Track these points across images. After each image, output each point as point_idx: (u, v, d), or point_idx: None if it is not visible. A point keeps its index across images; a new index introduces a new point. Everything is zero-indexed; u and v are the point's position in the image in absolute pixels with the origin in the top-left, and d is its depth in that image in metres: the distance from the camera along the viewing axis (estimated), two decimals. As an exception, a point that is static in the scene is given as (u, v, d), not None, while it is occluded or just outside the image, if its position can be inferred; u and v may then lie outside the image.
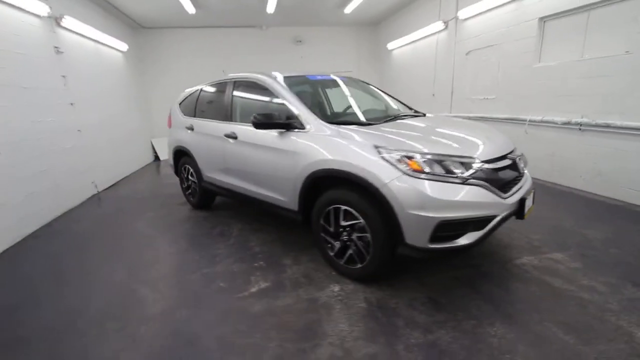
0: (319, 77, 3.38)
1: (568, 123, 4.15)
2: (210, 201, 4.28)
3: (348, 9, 7.36)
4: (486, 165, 2.10)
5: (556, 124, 4.31)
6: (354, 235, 2.29)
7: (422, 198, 1.92)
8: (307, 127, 2.56)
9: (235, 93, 3.40)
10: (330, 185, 2.46)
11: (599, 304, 2.08)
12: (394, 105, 3.46)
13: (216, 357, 1.80)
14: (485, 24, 5.38)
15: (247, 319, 2.10)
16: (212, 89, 3.87)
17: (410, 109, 3.48)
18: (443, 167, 2.00)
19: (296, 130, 2.62)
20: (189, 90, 4.34)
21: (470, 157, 2.07)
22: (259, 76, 3.11)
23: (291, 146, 2.61)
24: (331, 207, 2.40)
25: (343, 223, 2.34)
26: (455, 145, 2.17)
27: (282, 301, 2.26)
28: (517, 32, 4.80)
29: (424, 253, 2.03)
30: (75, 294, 2.50)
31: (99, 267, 2.89)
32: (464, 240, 2.00)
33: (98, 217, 4.29)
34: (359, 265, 2.34)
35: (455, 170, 2.01)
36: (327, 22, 8.75)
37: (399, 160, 2.02)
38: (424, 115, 3.22)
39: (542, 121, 4.50)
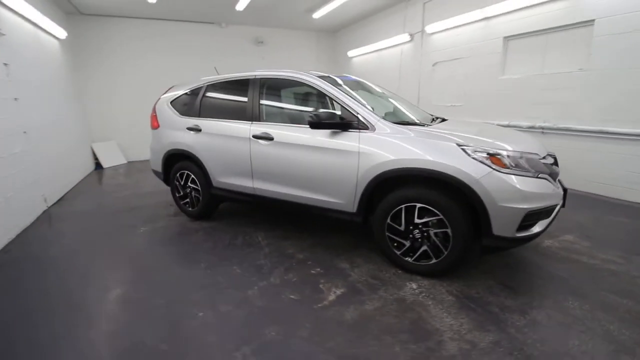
0: (345, 78, 3.37)
1: (532, 127, 4.90)
2: (214, 210, 3.88)
3: (317, 15, 7.45)
4: (544, 161, 2.38)
5: (522, 127, 5.05)
6: (431, 231, 2.36)
7: (514, 191, 2.10)
8: (371, 127, 2.55)
9: (265, 92, 3.17)
10: (394, 186, 2.49)
11: (625, 271, 2.53)
12: (415, 107, 3.63)
13: (349, 371, 1.67)
14: (453, 39, 6.02)
15: (349, 328, 1.99)
16: (224, 87, 3.53)
17: (425, 112, 3.71)
18: (515, 163, 2.21)
19: (356, 130, 2.58)
20: (182, 88, 3.87)
21: (536, 154, 2.32)
22: (301, 75, 2.96)
23: (353, 147, 2.55)
24: (402, 206, 2.42)
25: (417, 221, 2.39)
26: (518, 144, 2.41)
27: (370, 305, 2.20)
28: (484, 47, 5.50)
29: (510, 242, 2.20)
30: (129, 336, 2.03)
31: (127, 300, 2.38)
32: (537, 228, 2.24)
33: (73, 237, 3.51)
34: (433, 261, 2.41)
35: (528, 166, 2.23)
36: (289, 25, 8.70)
37: (486, 158, 2.16)
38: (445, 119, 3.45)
39: (508, 125, 5.22)
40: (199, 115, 3.59)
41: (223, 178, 3.41)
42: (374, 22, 8.00)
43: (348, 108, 2.65)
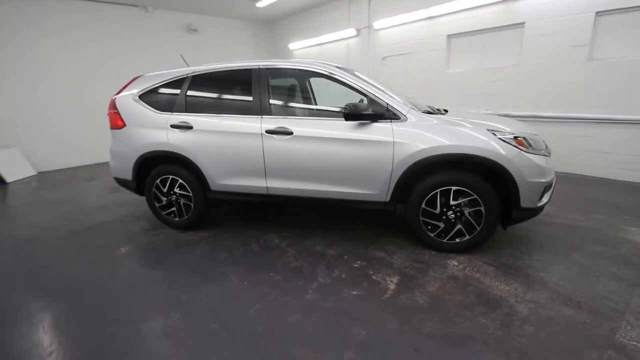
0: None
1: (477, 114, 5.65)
2: (207, 217, 3.45)
3: (262, 3, 7.11)
4: (541, 141, 2.81)
5: (468, 115, 5.77)
6: (466, 211, 2.57)
7: (538, 168, 2.44)
8: (403, 116, 2.61)
9: (274, 83, 2.94)
10: (426, 172, 2.60)
11: (592, 226, 3.17)
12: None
13: (459, 349, 1.74)
14: (400, 35, 6.48)
15: (429, 311, 2.05)
16: (217, 79, 3.14)
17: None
18: (532, 144, 2.56)
19: (388, 120, 2.62)
20: (153, 79, 3.30)
21: (538, 135, 2.72)
22: (318, 67, 2.83)
23: (387, 137, 2.58)
24: (437, 190, 2.57)
25: (453, 202, 2.57)
26: (520, 128, 2.77)
27: (431, 287, 2.30)
28: (430, 44, 6.07)
29: (533, 212, 2.54)
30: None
31: (174, 334, 1.99)
32: (545, 199, 2.64)
33: (34, 272, 2.71)
34: (466, 238, 2.64)
35: (536, 146, 2.60)
36: (225, 12, 8.11)
37: (513, 140, 2.45)
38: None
39: (456, 114, 5.91)
40: (186, 110, 3.13)
41: (225, 180, 3.07)
42: (317, 15, 8.03)
43: (377, 99, 2.66)
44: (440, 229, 2.67)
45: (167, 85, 3.25)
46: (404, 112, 2.62)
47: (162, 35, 7.55)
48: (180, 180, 3.21)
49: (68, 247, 3.14)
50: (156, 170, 3.27)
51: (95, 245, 3.14)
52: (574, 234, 3.04)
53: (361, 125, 2.66)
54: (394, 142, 2.58)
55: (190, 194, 3.21)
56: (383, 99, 2.66)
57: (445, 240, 2.69)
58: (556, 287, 2.24)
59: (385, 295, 2.23)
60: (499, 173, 2.45)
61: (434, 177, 2.58)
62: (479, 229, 2.59)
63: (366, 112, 2.57)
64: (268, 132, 2.84)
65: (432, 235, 2.70)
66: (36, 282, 2.57)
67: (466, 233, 2.63)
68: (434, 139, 2.50)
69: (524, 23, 4.91)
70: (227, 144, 2.97)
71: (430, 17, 5.93)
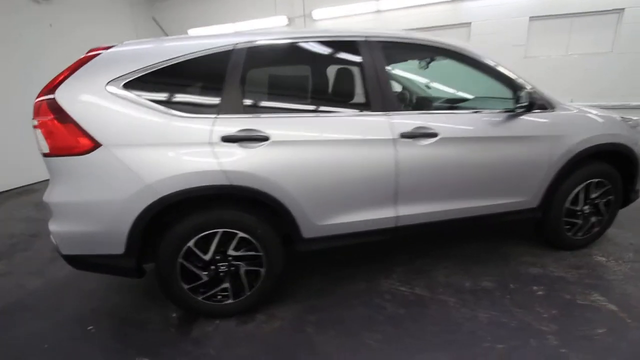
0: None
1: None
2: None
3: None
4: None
5: (423, 110, 5.97)
6: (601, 203, 2.44)
7: (650, 150, 2.54)
8: (550, 105, 2.23)
9: (393, 66, 1.98)
10: (575, 167, 2.30)
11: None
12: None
13: None
14: (344, 27, 6.05)
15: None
16: (295, 53, 1.89)
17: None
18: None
19: (540, 111, 2.18)
20: (151, 55, 1.73)
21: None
22: (454, 42, 2.10)
23: (544, 130, 2.16)
24: (582, 185, 2.34)
25: (593, 195, 2.40)
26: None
27: (637, 292, 2.04)
28: (378, 38, 5.92)
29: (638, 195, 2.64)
30: None
31: None
32: None
33: None
34: (597, 229, 2.52)
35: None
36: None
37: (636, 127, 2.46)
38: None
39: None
40: (244, 110, 1.77)
41: (331, 218, 1.92)
42: (228, -2, 6.65)
43: (525, 85, 2.18)
44: (577, 226, 2.45)
45: (188, 65, 1.76)
46: (553, 101, 2.25)
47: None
48: (240, 234, 1.81)
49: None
50: (187, 224, 1.74)
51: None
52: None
53: (512, 117, 2.13)
54: (551, 135, 2.17)
55: (261, 253, 1.87)
56: (535, 86, 2.21)
57: (582, 237, 2.50)
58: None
59: (628, 321, 1.81)
60: (630, 159, 2.41)
61: (581, 171, 2.32)
62: (607, 217, 2.52)
63: (534, 101, 2.07)
64: (404, 135, 1.91)
65: (570, 234, 2.46)
66: None
67: (597, 225, 2.51)
68: (590, 129, 2.25)
69: (470, 23, 5.38)
70: (338, 159, 1.85)
71: (378, 11, 5.77)
